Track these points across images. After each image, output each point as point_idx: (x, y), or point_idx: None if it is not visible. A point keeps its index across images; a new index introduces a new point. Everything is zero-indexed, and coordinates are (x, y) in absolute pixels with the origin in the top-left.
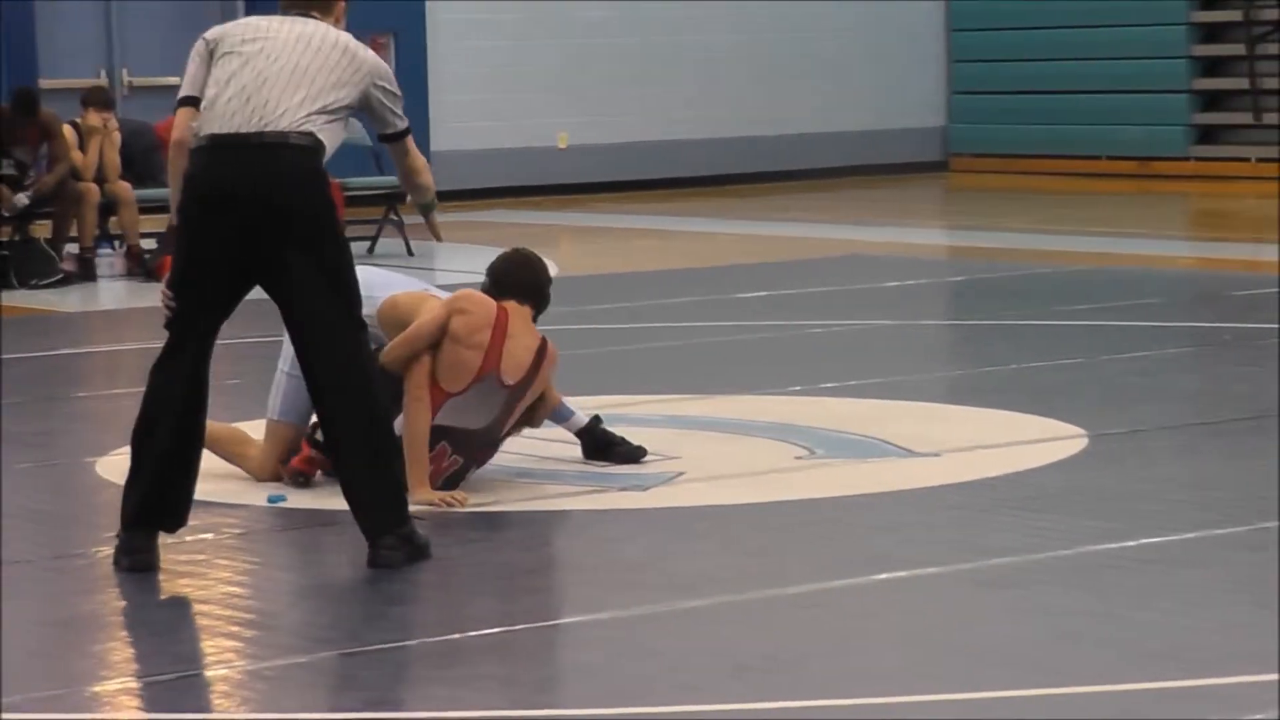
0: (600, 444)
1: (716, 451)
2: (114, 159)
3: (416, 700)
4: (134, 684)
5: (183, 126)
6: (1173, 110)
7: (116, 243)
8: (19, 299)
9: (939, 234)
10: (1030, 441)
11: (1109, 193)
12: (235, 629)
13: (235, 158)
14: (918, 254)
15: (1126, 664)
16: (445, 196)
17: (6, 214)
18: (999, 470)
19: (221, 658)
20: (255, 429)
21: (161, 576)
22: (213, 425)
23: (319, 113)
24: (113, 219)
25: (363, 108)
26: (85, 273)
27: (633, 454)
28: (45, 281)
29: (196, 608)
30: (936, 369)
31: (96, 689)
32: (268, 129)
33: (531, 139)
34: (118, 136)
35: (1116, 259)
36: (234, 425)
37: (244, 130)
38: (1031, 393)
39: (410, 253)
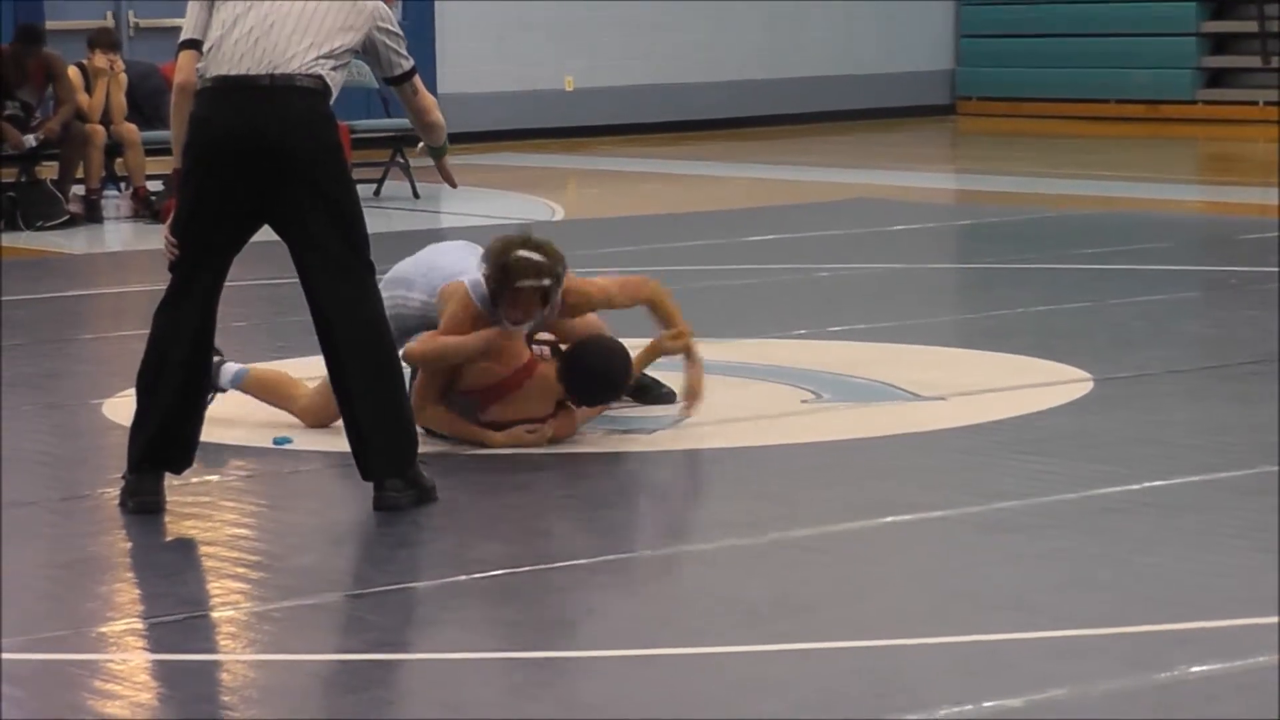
0: (636, 387)
1: (723, 395)
2: (120, 101)
3: (423, 642)
4: (140, 625)
5: (187, 69)
6: (1181, 53)
7: (123, 185)
8: (25, 240)
9: (947, 178)
10: (1036, 385)
11: (1117, 136)
12: (241, 571)
13: (244, 100)
14: (925, 198)
15: (1130, 608)
16: (452, 139)
17: (13, 154)
18: (1005, 414)
19: (228, 599)
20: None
21: (168, 518)
22: (258, 369)
23: (325, 57)
24: (119, 161)
25: (366, 51)
26: (91, 215)
27: (661, 398)
28: (51, 223)
29: (203, 550)
30: (943, 313)
31: (103, 630)
32: (277, 72)
33: (538, 82)
34: (124, 78)
35: (1124, 203)
36: (278, 369)
37: (253, 73)
38: (1038, 336)
39: (416, 195)
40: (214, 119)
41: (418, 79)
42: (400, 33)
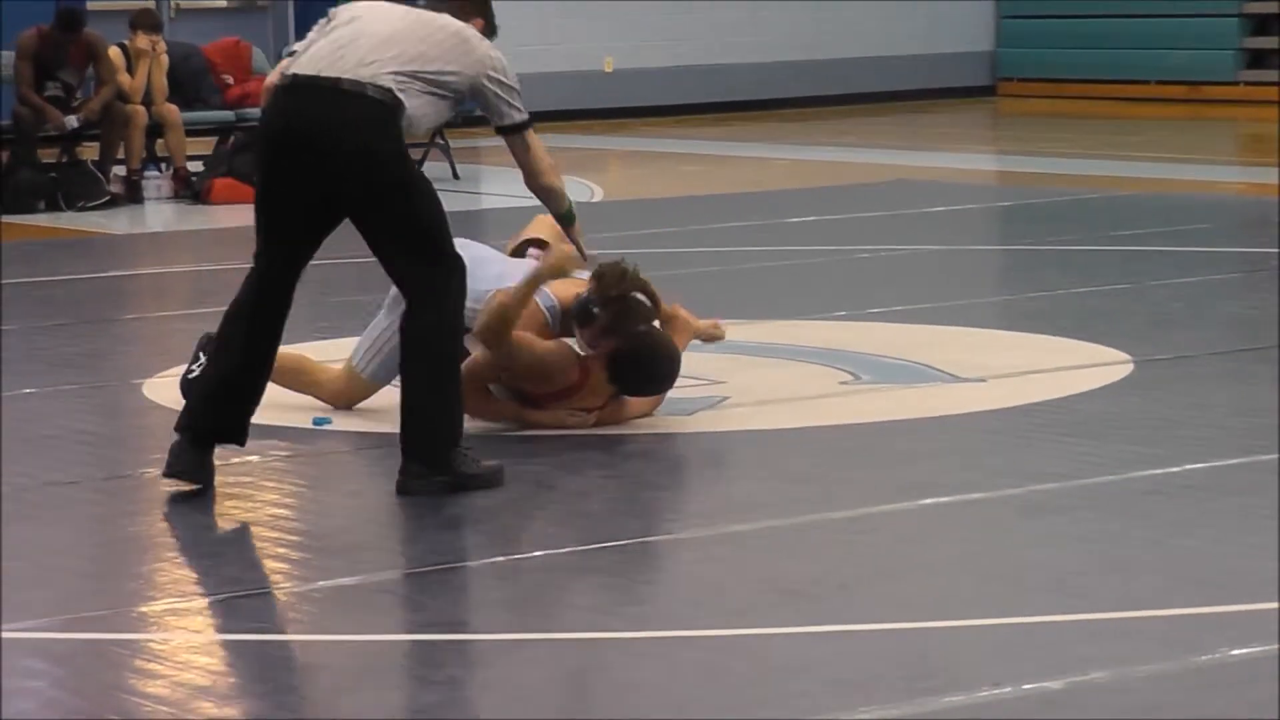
0: None
1: (762, 377)
2: (161, 82)
3: (462, 623)
4: (181, 605)
5: (277, 72)
6: (1223, 34)
7: (163, 165)
8: (66, 221)
9: (987, 159)
10: (1076, 367)
11: (1158, 118)
12: (282, 551)
13: (304, 99)
14: (966, 179)
15: (1170, 590)
16: None
17: (55, 133)
18: (1044, 396)
19: (269, 579)
20: (308, 351)
21: (208, 498)
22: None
23: (409, 76)
24: (160, 141)
25: (475, 98)
26: (132, 195)
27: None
28: (92, 204)
29: (243, 530)
30: (983, 294)
31: (144, 609)
32: (344, 76)
33: (579, 63)
34: (165, 59)
35: (1165, 184)
36: (296, 352)
37: (323, 74)
38: (1078, 318)
39: (456, 176)
40: (273, 114)
41: (531, 135)
42: (515, 85)
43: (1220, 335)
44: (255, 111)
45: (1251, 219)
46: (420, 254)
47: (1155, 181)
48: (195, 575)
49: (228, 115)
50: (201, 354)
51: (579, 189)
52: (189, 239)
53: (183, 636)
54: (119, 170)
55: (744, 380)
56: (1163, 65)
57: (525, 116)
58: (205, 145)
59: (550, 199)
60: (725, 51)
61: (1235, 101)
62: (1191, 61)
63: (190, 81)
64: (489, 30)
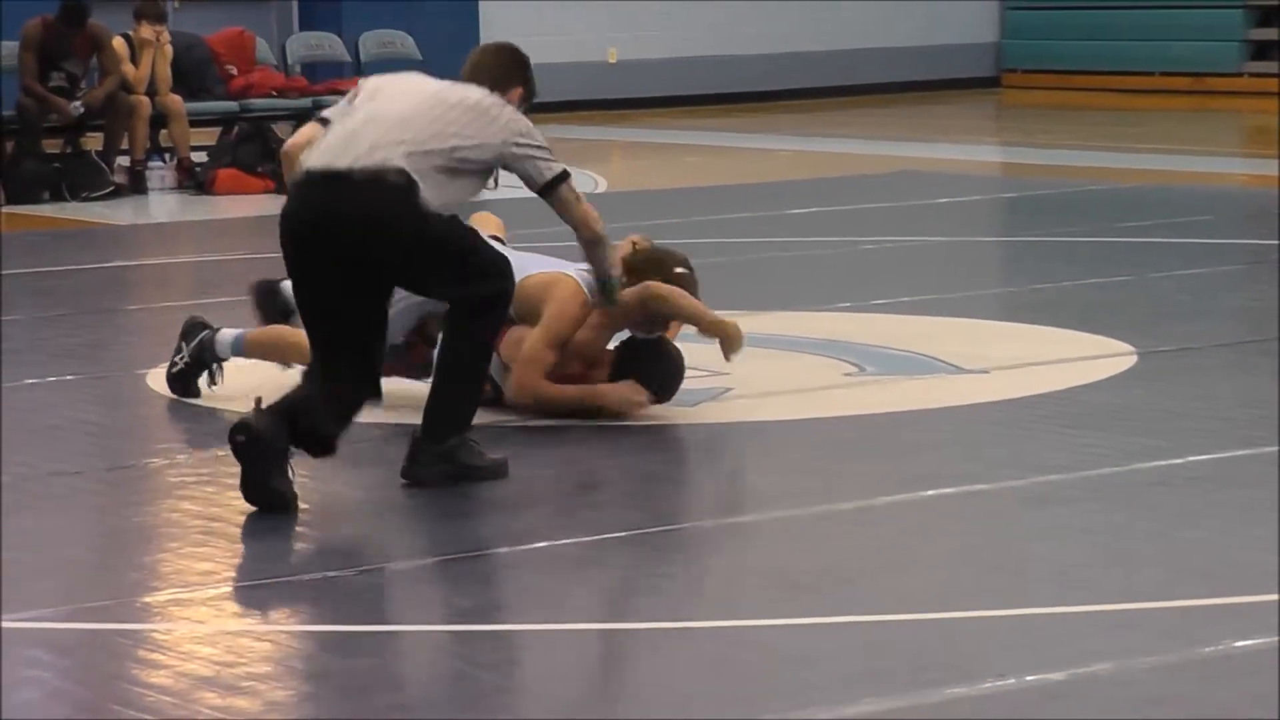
0: None
1: (765, 368)
2: (165, 72)
3: (468, 615)
4: (185, 595)
5: (300, 135)
6: (1226, 26)
7: (167, 156)
8: (70, 211)
9: (991, 150)
10: (1079, 359)
11: (1162, 109)
12: (286, 542)
13: (320, 191)
14: (970, 170)
15: (1173, 582)
16: None
17: (60, 123)
18: (1048, 387)
19: (269, 570)
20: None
21: (210, 489)
22: (254, 331)
23: (423, 154)
24: (164, 132)
25: (504, 166)
26: (136, 185)
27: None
28: (96, 194)
29: (245, 520)
30: (987, 286)
31: (148, 600)
32: (357, 165)
33: (581, 54)
34: (170, 50)
35: (1169, 176)
36: (277, 327)
37: (335, 166)
38: (1081, 310)
39: None
40: (291, 210)
41: (570, 187)
42: (541, 143)
43: (1224, 327)
44: (259, 102)
45: (1255, 211)
46: (465, 274)
47: (1159, 173)
48: (199, 566)
49: (231, 106)
50: (183, 343)
51: (583, 180)
52: (193, 229)
53: (186, 627)
54: (123, 161)
55: (747, 372)
56: (1167, 57)
57: (561, 168)
58: (209, 136)
59: (599, 250)
60: (729, 43)
61: (1239, 93)
62: (1195, 53)
63: (194, 72)
64: (528, 95)
